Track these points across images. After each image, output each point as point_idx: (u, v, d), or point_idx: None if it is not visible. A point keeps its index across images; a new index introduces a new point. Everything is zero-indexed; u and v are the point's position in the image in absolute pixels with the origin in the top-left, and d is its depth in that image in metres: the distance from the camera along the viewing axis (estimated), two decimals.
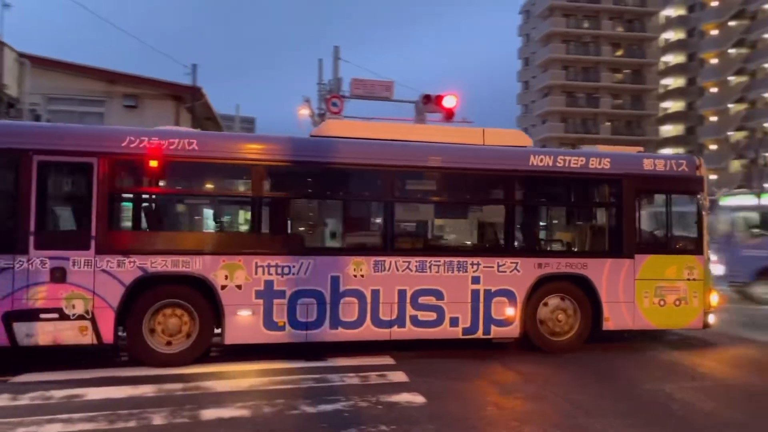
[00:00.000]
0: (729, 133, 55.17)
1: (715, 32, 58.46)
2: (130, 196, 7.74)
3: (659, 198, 9.18)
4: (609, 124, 66.31)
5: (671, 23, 67.43)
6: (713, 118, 59.19)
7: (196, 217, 8.79)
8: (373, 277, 7.94)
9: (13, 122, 8.72)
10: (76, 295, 7.03)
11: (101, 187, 7.18)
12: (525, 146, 9.18)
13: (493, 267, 8.31)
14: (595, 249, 8.92)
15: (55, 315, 6.98)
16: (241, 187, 8.21)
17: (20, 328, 6.89)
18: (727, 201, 20.32)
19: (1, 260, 6.86)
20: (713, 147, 56.84)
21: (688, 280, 8.86)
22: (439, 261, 8.17)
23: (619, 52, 66.78)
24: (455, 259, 8.25)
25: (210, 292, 7.44)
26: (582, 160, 8.74)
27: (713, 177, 46.98)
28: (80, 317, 7.04)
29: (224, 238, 8.18)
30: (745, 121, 54.34)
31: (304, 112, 22.70)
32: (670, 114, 67.83)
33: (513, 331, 8.41)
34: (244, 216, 8.23)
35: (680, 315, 8.88)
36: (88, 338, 7.09)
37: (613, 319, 8.65)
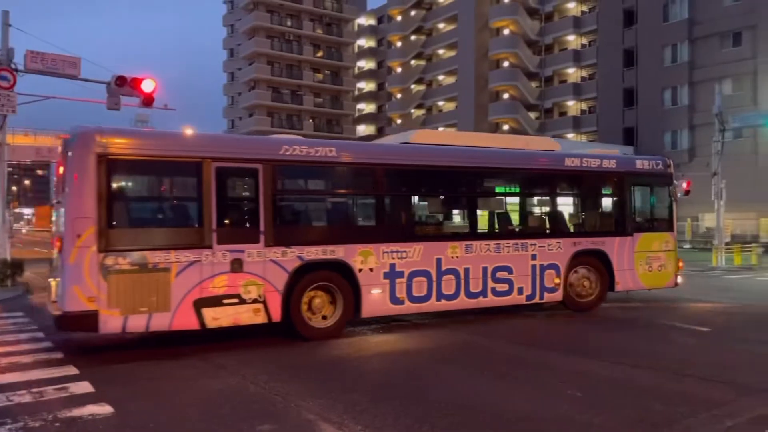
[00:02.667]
0: None
1: (399, 44, 65.91)
2: (288, 195, 9.05)
3: (646, 189, 11.71)
4: (312, 121, 69.78)
5: (364, 31, 73.82)
6: (399, 121, 66.78)
7: (337, 212, 9.78)
8: (465, 258, 9.75)
9: (194, 134, 9.22)
10: (251, 282, 8.05)
11: (265, 189, 8.23)
12: (555, 149, 11.52)
13: (545, 246, 10.48)
14: (608, 229, 11.24)
15: (235, 300, 7.96)
16: (369, 186, 9.48)
17: (208, 313, 7.80)
18: None
19: (191, 255, 7.70)
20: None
21: (666, 251, 11.56)
22: (509, 243, 10.20)
23: (320, 53, 70.69)
24: (520, 241, 10.30)
25: (349, 275, 8.73)
26: (598, 161, 11.21)
27: None
28: (254, 300, 8.08)
29: (359, 229, 9.38)
30: (424, 124, 62.52)
31: None
32: (364, 115, 74.36)
33: (558, 296, 10.62)
34: (373, 210, 9.58)
35: (662, 278, 11.53)
36: (261, 318, 8.14)
37: (621, 283, 11.15)
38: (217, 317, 7.86)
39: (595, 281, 10.97)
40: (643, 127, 41.88)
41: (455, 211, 10.83)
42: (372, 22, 73.67)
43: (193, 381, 6.47)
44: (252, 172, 8.24)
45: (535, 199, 11.37)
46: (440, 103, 62.12)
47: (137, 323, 7.44)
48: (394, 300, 9.10)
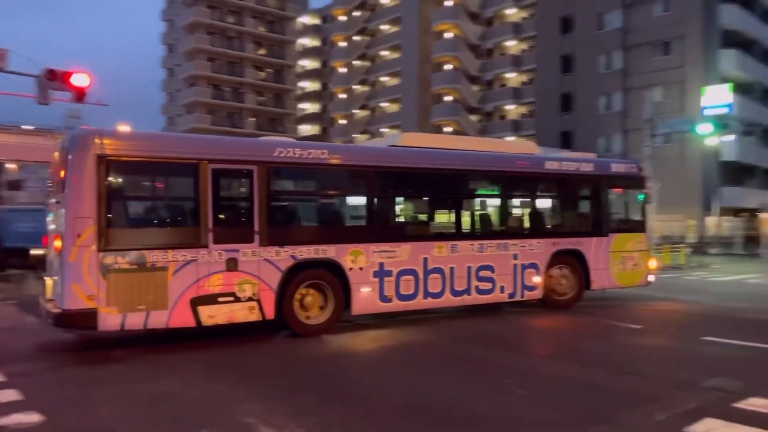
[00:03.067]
0: (355, 136, 62.88)
1: (343, 44, 65.77)
2: (282, 196, 9.23)
3: (621, 191, 12.19)
4: (254, 119, 68.73)
5: (308, 30, 73.30)
6: (342, 122, 66.62)
7: (329, 213, 10.00)
8: (450, 257, 9.98)
9: (191, 136, 9.64)
10: (245, 280, 8.17)
11: (260, 190, 8.37)
12: (535, 153, 11.80)
13: (525, 246, 10.77)
14: (585, 230, 11.62)
15: (231, 298, 8.07)
16: (360, 187, 9.73)
17: (204, 311, 7.90)
18: None
19: (188, 254, 7.81)
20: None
21: (639, 251, 12.00)
22: (492, 243, 10.46)
23: (262, 51, 69.69)
24: (502, 241, 10.58)
25: (340, 273, 8.94)
26: (576, 165, 11.60)
27: None
28: (249, 299, 8.20)
29: (350, 229, 9.68)
30: (368, 125, 62.66)
31: None
32: (308, 115, 73.82)
33: (538, 294, 10.94)
34: (363, 211, 9.74)
35: (635, 276, 11.98)
36: (255, 315, 8.26)
37: (597, 282, 11.47)
38: (212, 315, 8.02)
39: (573, 280, 11.34)
40: (579, 132, 43.25)
41: (441, 212, 11.12)
42: (316, 21, 73.26)
43: (129, 385, 6.23)
44: (247, 174, 8.43)
45: (517, 200, 11.77)
46: (384, 105, 62.35)
47: (135, 321, 7.56)
48: (383, 298, 9.36)
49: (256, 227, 8.35)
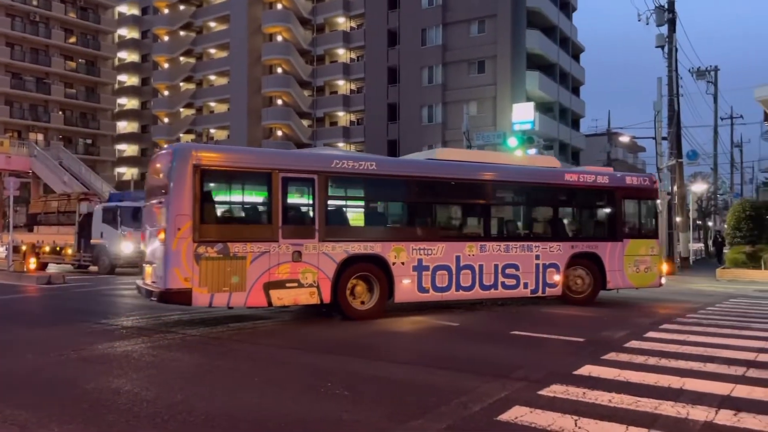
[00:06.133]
0: (180, 135, 59.74)
1: (166, 38, 62.17)
2: (337, 200, 10.82)
3: (634, 201, 13.49)
4: (61, 113, 62.23)
5: (126, 20, 68.09)
6: (166, 120, 62.90)
7: (376, 215, 11.58)
8: (479, 256, 11.51)
9: (266, 150, 12.01)
10: (308, 270, 9.90)
11: (320, 195, 10.15)
12: (556, 167, 13.41)
13: (547, 248, 12.28)
14: (601, 235, 13.08)
15: (295, 284, 9.80)
16: (403, 194, 11.39)
17: (274, 294, 9.66)
18: None
19: (263, 246, 9.57)
20: (167, 147, 60.26)
21: (651, 255, 13.34)
22: (517, 245, 11.99)
23: (72, 39, 63.35)
24: (526, 243, 12.10)
25: (385, 267, 10.60)
26: (593, 177, 13.06)
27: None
28: (310, 285, 9.91)
29: (394, 229, 11.26)
30: (194, 125, 59.85)
31: None
32: (126, 110, 68.52)
33: (558, 291, 12.42)
34: (404, 214, 11.57)
35: (647, 278, 13.31)
36: (315, 299, 9.99)
37: (612, 282, 12.87)
38: (281, 297, 9.67)
39: (589, 280, 12.81)
40: (405, 141, 45.31)
41: (472, 216, 12.52)
42: (135, 11, 68.37)
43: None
44: (309, 181, 10.10)
45: (540, 207, 13.25)
46: (212, 104, 60.01)
47: (220, 300, 9.28)
48: (421, 289, 10.91)
49: (317, 226, 10.01)
